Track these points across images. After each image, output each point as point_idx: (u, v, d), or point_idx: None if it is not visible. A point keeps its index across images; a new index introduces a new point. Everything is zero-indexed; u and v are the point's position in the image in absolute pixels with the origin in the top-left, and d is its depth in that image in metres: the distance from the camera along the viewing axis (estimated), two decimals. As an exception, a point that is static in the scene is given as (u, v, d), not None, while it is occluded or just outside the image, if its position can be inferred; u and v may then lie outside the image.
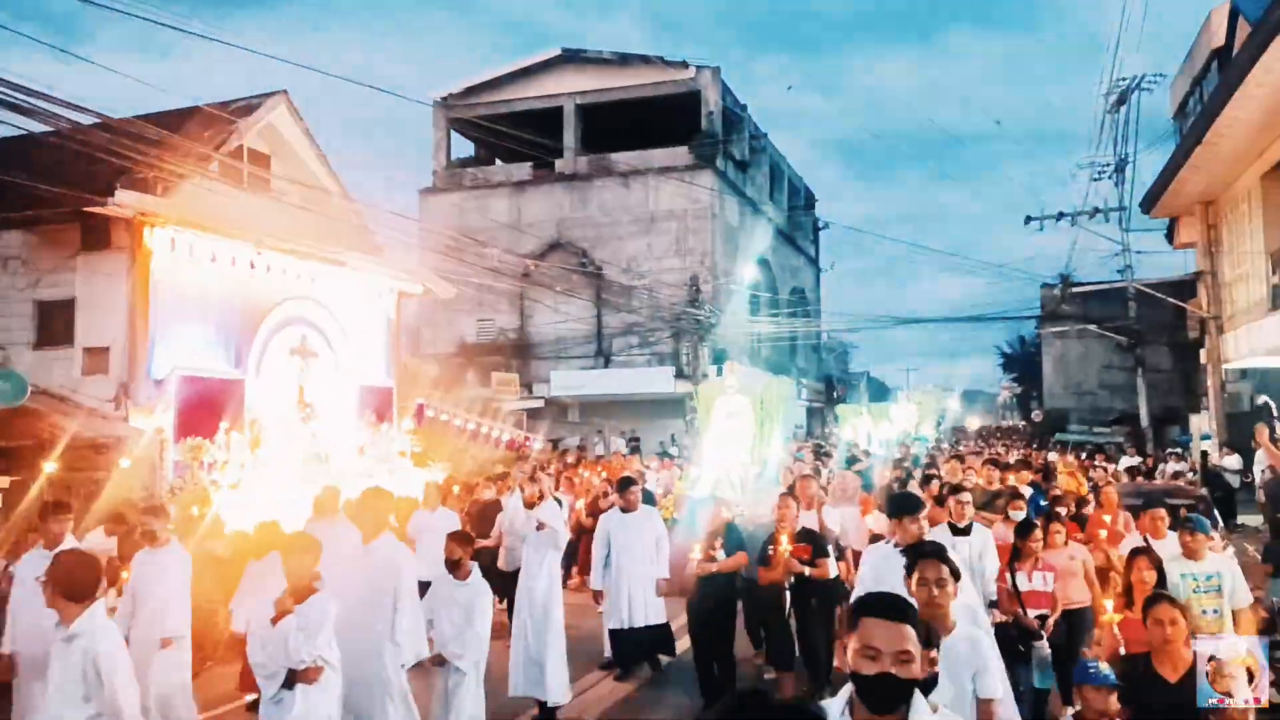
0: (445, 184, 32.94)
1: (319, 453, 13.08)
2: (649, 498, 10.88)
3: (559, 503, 9.15)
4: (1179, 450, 23.13)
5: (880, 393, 57.26)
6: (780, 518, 7.68)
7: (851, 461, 17.58)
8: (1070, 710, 6.52)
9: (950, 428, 57.05)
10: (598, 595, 8.91)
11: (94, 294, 12.61)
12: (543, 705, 7.83)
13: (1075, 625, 7.02)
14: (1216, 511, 10.57)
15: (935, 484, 10.68)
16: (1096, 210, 26.95)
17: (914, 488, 10.92)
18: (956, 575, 4.14)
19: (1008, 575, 6.78)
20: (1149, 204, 22.35)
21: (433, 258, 21.14)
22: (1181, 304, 24.05)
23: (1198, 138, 16.58)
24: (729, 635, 8.08)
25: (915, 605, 2.83)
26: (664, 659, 9.21)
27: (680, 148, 30.76)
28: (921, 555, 4.18)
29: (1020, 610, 6.64)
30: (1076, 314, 30.82)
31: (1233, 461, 18.62)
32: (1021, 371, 60.48)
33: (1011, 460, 15.28)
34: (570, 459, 20.30)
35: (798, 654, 7.93)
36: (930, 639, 2.67)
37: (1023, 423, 55.88)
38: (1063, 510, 9.00)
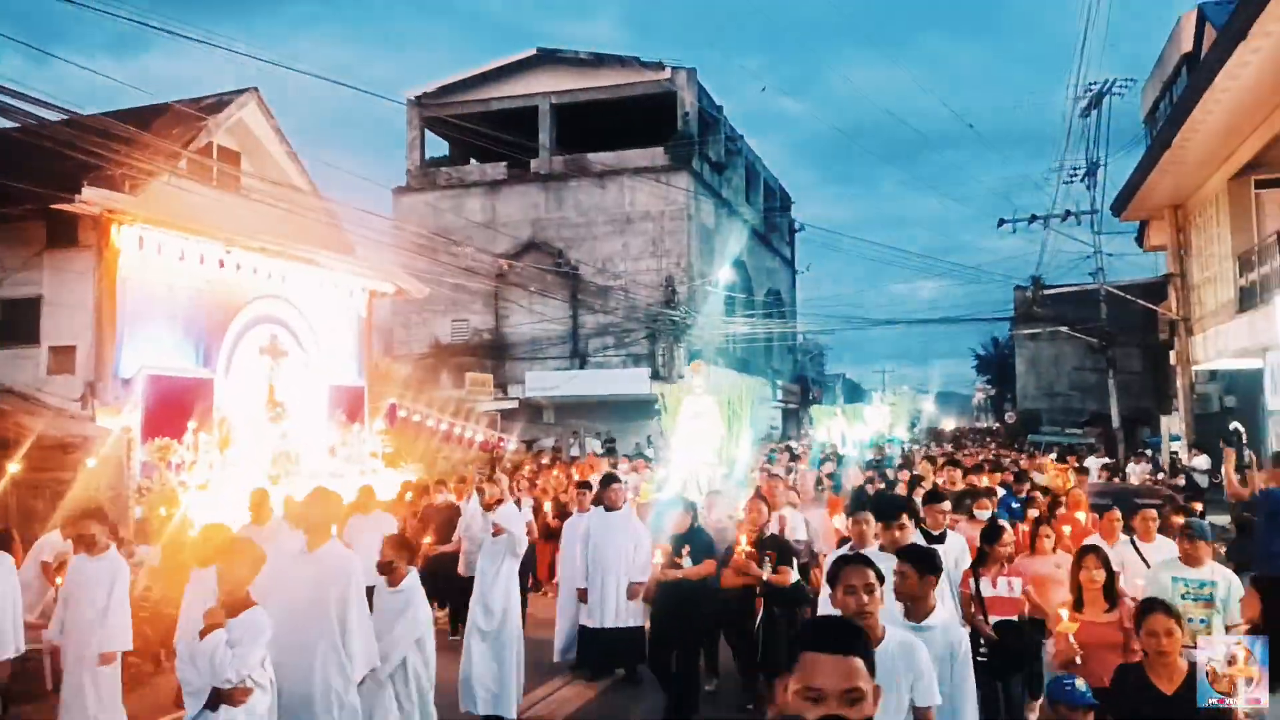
0: (419, 183, 32.79)
1: (289, 452, 12.99)
2: None
3: (519, 505, 9.02)
4: (1147, 452, 23.37)
5: (855, 394, 57.64)
6: (747, 520, 7.49)
7: (823, 463, 17.62)
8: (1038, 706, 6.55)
9: (925, 429, 57.49)
10: (583, 593, 8.84)
11: (60, 292, 12.44)
12: None
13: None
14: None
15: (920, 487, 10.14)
16: (1068, 213, 27.13)
17: (901, 491, 10.35)
18: (882, 580, 3.98)
19: (971, 581, 6.43)
20: (1120, 207, 22.57)
21: (406, 257, 21.02)
22: (1152, 306, 24.30)
23: (1166, 142, 16.76)
24: (694, 643, 7.76)
25: (865, 631, 2.49)
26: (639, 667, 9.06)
27: (656, 149, 30.78)
28: (845, 561, 4.02)
29: (982, 618, 6.26)
30: (1049, 316, 31.03)
31: (1201, 462, 18.82)
32: (995, 373, 61.03)
33: (970, 463, 14.95)
34: (545, 460, 20.26)
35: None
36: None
37: (996, 424, 56.34)
38: (1035, 512, 8.85)
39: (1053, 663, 5.83)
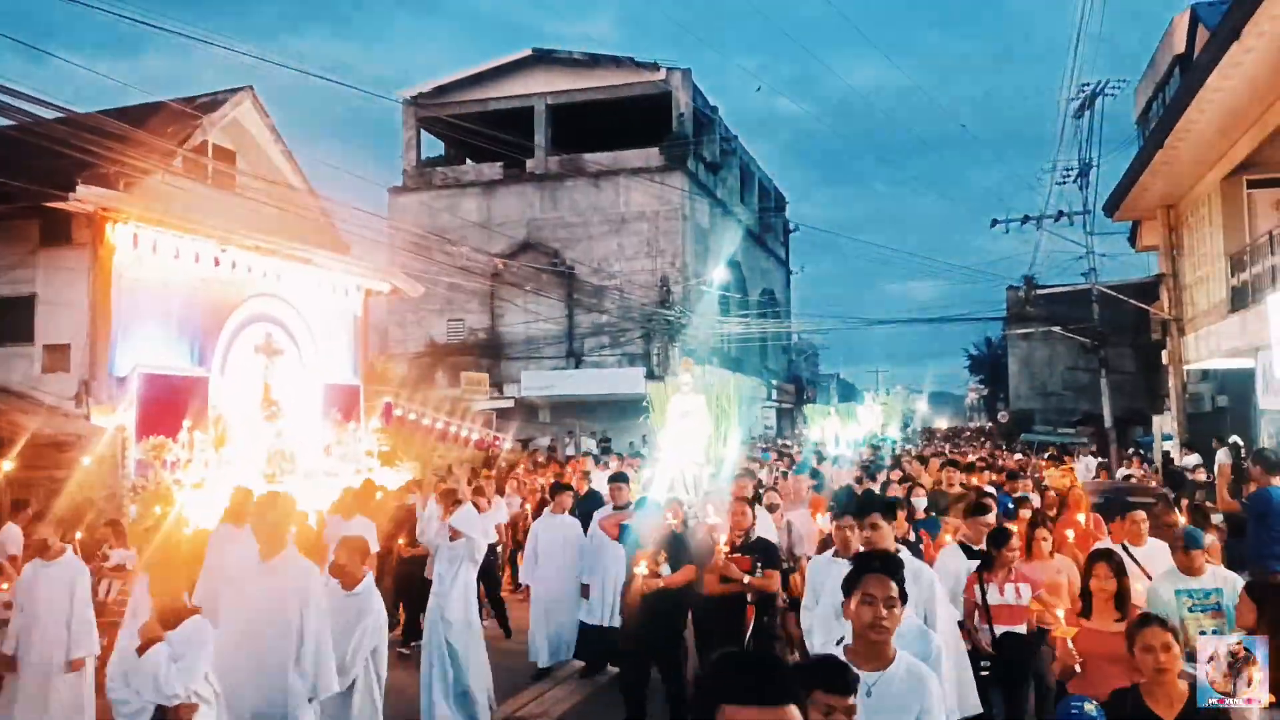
0: (415, 183, 32.78)
1: (284, 451, 12.98)
2: (599, 500, 10.27)
3: (493, 506, 8.92)
4: (1139, 453, 23.44)
5: (849, 394, 57.67)
6: (729, 522, 7.14)
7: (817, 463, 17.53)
8: None
9: (918, 429, 57.61)
10: (585, 589, 8.89)
11: (55, 290, 12.43)
12: None
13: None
14: (1177, 510, 10.61)
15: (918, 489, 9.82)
16: (1061, 214, 27.21)
17: (894, 492, 9.92)
18: (905, 597, 3.51)
19: (976, 588, 6.02)
20: (1112, 208, 22.62)
21: (402, 256, 21.07)
22: (1144, 306, 24.35)
23: (1158, 142, 16.81)
24: (675, 652, 7.32)
25: (795, 677, 1.96)
26: None
27: (651, 149, 30.81)
28: (868, 569, 3.49)
29: (987, 625, 5.88)
30: (1041, 316, 31.14)
31: (1192, 461, 18.88)
32: (988, 373, 61.13)
33: (964, 461, 14.89)
34: (540, 459, 20.27)
35: None
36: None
37: (989, 424, 56.46)
38: (1026, 513, 8.44)
39: (1051, 671, 5.62)
